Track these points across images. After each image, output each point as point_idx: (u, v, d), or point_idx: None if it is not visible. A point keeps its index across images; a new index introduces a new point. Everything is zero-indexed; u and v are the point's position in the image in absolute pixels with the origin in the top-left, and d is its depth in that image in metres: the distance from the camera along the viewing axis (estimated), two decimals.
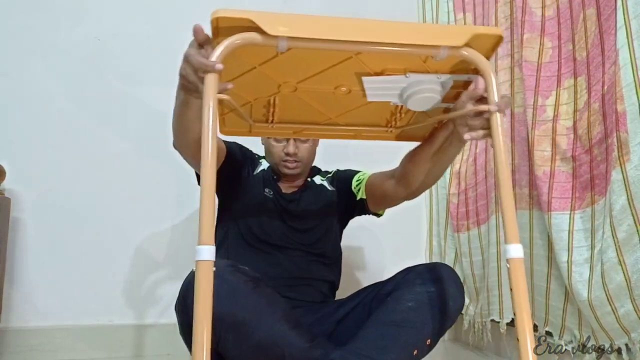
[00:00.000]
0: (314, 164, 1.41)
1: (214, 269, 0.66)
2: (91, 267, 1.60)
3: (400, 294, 1.02)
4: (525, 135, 1.37)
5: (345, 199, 1.32)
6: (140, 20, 1.77)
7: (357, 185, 1.30)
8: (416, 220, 1.99)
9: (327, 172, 1.40)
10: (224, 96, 0.75)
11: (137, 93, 1.73)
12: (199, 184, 1.26)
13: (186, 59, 0.79)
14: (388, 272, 1.89)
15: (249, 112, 0.99)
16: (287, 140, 1.24)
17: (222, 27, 0.73)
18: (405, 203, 1.24)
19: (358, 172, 1.35)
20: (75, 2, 1.72)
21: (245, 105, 0.96)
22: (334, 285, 1.31)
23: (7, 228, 1.45)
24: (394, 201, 1.25)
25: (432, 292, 1.00)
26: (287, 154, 1.24)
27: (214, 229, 0.68)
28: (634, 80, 1.01)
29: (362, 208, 1.31)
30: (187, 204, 1.72)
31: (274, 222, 1.24)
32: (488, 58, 0.81)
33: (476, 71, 0.86)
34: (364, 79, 0.87)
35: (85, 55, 1.70)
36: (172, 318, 1.00)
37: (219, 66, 0.70)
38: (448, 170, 1.81)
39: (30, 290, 1.54)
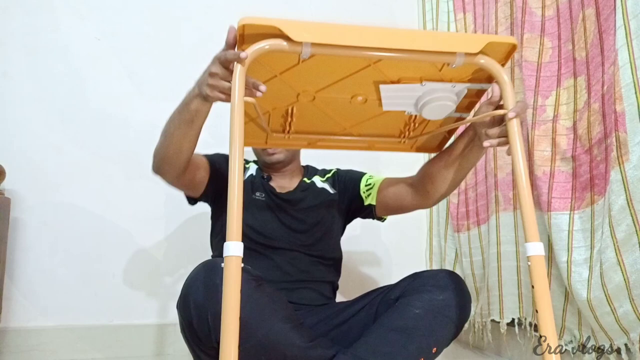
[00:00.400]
0: (310, 164, 1.40)
1: (243, 265, 0.68)
2: (91, 267, 1.60)
3: (407, 301, 1.02)
4: (525, 135, 1.37)
5: (349, 202, 1.30)
6: (141, 20, 1.77)
7: (367, 190, 1.28)
8: (416, 221, 1.98)
9: (325, 172, 1.38)
10: (250, 99, 0.78)
11: (138, 92, 1.73)
12: (189, 203, 1.27)
13: (216, 58, 0.83)
14: (389, 272, 1.91)
15: (267, 122, 1.01)
16: None
17: (248, 35, 0.75)
18: None
19: (364, 174, 1.32)
20: (75, 2, 1.72)
21: (264, 115, 0.97)
22: (334, 286, 1.30)
23: (7, 228, 1.45)
24: (408, 209, 1.24)
25: (440, 300, 1.00)
26: None
27: (242, 225, 0.69)
28: (633, 80, 1.01)
29: (368, 213, 1.29)
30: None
31: (271, 224, 1.22)
32: (503, 65, 0.84)
33: (489, 80, 0.89)
34: (382, 87, 0.89)
35: (85, 55, 1.70)
36: (172, 318, 1.00)
37: (244, 54, 0.73)
38: None
39: (30, 290, 1.54)
